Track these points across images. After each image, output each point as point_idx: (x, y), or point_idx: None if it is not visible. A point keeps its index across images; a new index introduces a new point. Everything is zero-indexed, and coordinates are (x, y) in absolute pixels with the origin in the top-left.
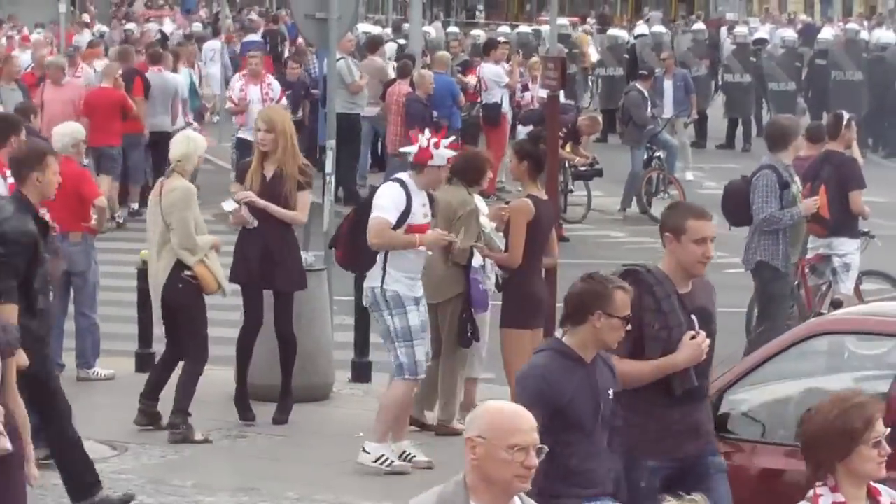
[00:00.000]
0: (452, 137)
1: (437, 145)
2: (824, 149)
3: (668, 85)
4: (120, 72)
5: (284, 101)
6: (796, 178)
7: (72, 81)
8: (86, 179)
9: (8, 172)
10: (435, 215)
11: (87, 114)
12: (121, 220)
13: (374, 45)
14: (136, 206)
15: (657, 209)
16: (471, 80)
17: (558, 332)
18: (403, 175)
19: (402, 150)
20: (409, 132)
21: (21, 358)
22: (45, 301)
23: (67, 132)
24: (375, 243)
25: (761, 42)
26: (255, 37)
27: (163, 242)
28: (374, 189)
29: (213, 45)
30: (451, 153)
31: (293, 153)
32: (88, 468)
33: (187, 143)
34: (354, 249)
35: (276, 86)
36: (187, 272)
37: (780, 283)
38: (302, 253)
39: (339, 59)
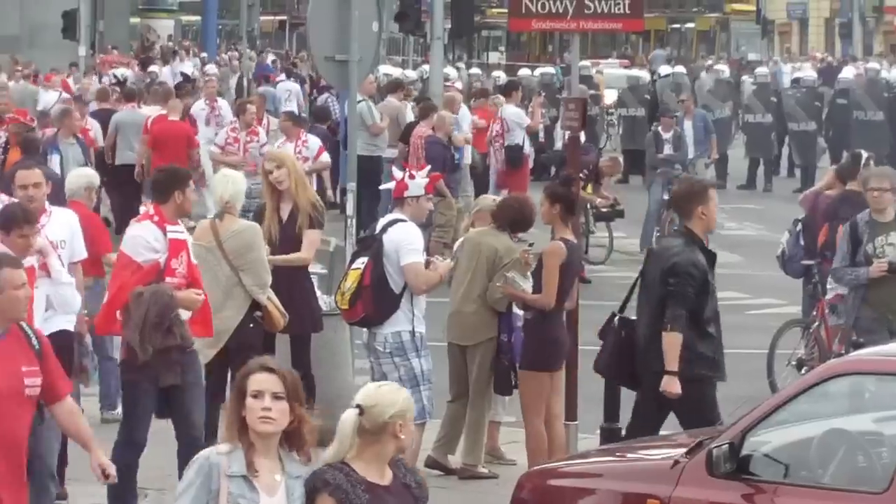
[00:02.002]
0: (429, 167)
1: (411, 176)
2: (843, 188)
3: (687, 126)
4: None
5: (324, 158)
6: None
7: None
8: (98, 226)
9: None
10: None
11: (152, 145)
12: None
13: (393, 86)
14: None
15: None
16: (480, 122)
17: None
18: (398, 215)
19: (381, 188)
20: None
21: None
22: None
23: (83, 175)
24: (423, 290)
25: (796, 82)
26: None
27: (230, 286)
28: (372, 236)
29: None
30: (426, 181)
31: (304, 186)
32: None
33: (226, 182)
34: (381, 300)
35: (313, 142)
36: (257, 312)
37: None
38: (325, 297)
39: (360, 101)
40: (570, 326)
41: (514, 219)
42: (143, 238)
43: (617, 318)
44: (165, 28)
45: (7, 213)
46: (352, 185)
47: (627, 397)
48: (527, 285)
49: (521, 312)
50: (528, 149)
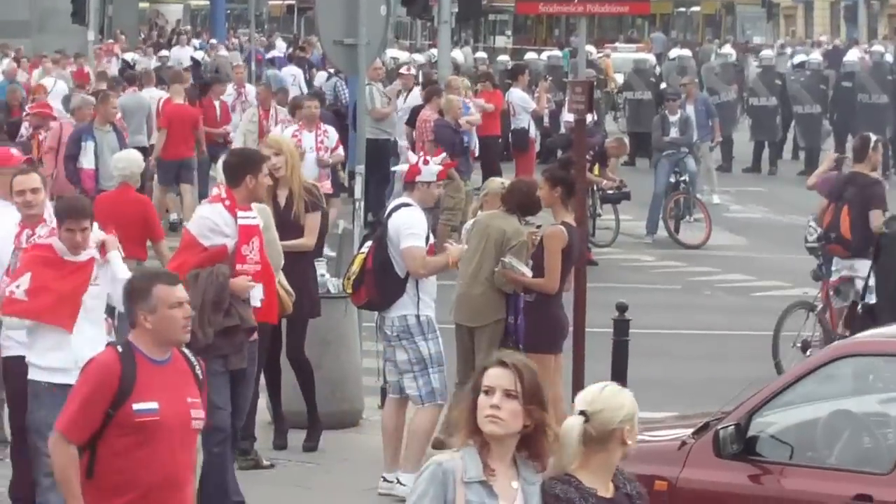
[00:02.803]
0: (444, 155)
1: (426, 161)
2: (850, 170)
3: (689, 110)
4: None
5: (341, 152)
6: None
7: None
8: (150, 210)
9: None
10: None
11: (165, 125)
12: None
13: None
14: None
15: (684, 234)
16: (488, 106)
17: None
18: (406, 199)
19: (394, 168)
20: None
21: None
22: None
23: (135, 160)
24: (423, 273)
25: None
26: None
27: None
28: (378, 220)
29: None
30: (439, 168)
31: (299, 173)
32: None
33: None
34: (385, 284)
35: (333, 133)
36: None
37: None
38: (333, 279)
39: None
40: (577, 309)
41: (522, 202)
42: (212, 220)
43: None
44: (174, 13)
45: (57, 206)
46: (360, 168)
47: (634, 379)
48: (525, 269)
49: (521, 295)
50: (534, 133)
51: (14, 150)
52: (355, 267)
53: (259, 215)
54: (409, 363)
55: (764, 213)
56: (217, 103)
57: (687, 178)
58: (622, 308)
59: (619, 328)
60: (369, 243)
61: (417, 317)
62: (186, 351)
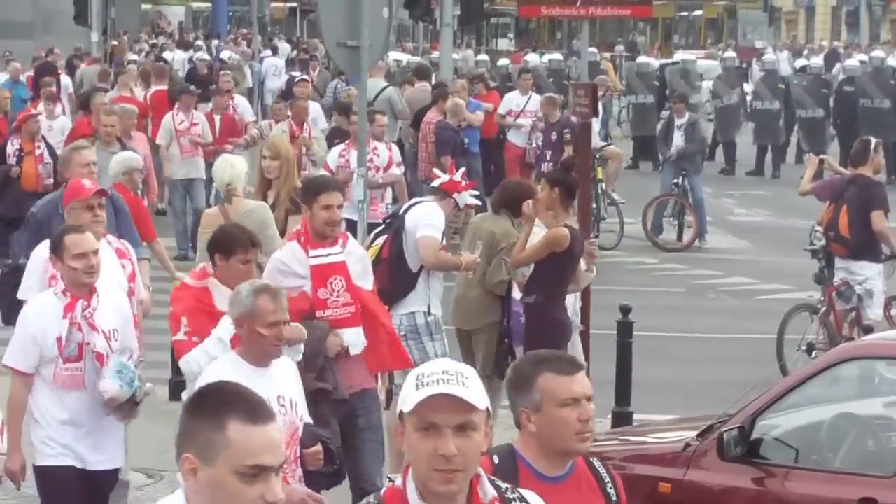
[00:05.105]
0: (463, 169)
1: (466, 187)
2: (853, 173)
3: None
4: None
5: (395, 170)
6: None
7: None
8: (141, 210)
9: None
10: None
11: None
12: None
13: (423, 72)
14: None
15: (668, 234)
16: (487, 105)
17: None
18: (430, 199)
19: (437, 171)
20: (441, 159)
21: None
22: None
23: (124, 159)
24: (432, 263)
25: (803, 69)
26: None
27: None
28: (395, 215)
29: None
30: (472, 200)
31: (291, 178)
32: None
33: (226, 166)
34: (399, 275)
35: (384, 151)
36: None
37: None
38: None
39: (386, 86)
40: (583, 310)
41: (508, 201)
42: (281, 261)
43: None
44: (176, 14)
45: (224, 235)
46: (361, 171)
47: (638, 382)
48: (526, 269)
49: (517, 297)
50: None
51: (86, 182)
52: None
53: (259, 210)
54: (415, 363)
55: (767, 216)
56: (218, 116)
57: (687, 182)
58: (626, 310)
59: (622, 330)
60: (384, 237)
61: (426, 314)
62: (596, 461)
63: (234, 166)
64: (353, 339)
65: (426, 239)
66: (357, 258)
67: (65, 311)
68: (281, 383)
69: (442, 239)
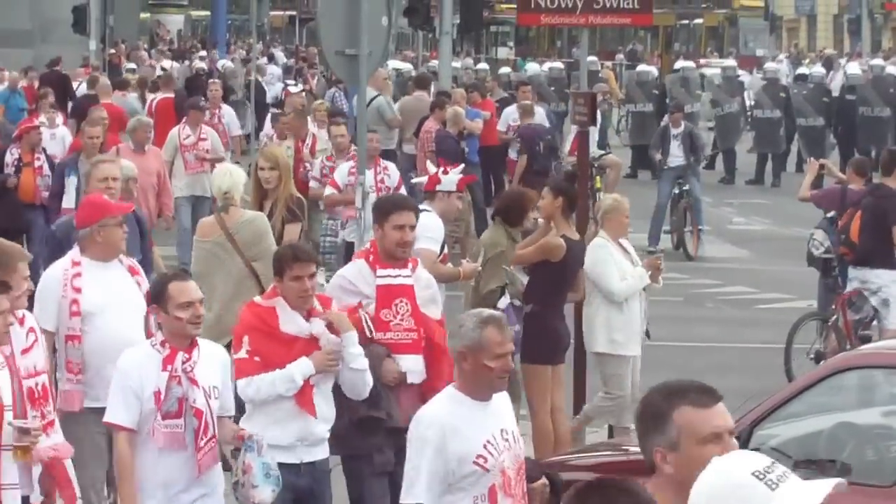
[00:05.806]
0: (463, 165)
1: (445, 171)
2: (877, 182)
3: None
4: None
5: (404, 192)
6: None
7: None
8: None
9: None
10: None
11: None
12: None
13: (422, 81)
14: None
15: (690, 244)
16: (485, 114)
17: None
18: (426, 207)
19: (414, 180)
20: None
21: None
22: None
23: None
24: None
25: (803, 78)
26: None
27: (242, 278)
28: None
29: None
30: (458, 178)
31: (288, 188)
32: None
33: (224, 174)
34: None
35: (394, 171)
36: None
37: None
38: None
39: (377, 95)
40: (578, 320)
41: (505, 208)
42: (346, 278)
43: None
44: (175, 23)
45: (275, 256)
46: (361, 179)
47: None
48: (523, 276)
49: (502, 305)
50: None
51: (106, 197)
52: None
53: (257, 220)
54: None
55: (767, 225)
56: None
57: (689, 189)
58: None
59: None
60: None
61: None
62: None
63: (232, 175)
64: (412, 366)
65: (424, 252)
66: (425, 284)
67: (164, 363)
68: (503, 417)
69: (442, 249)
